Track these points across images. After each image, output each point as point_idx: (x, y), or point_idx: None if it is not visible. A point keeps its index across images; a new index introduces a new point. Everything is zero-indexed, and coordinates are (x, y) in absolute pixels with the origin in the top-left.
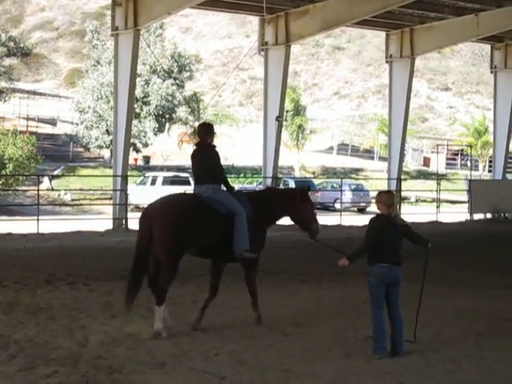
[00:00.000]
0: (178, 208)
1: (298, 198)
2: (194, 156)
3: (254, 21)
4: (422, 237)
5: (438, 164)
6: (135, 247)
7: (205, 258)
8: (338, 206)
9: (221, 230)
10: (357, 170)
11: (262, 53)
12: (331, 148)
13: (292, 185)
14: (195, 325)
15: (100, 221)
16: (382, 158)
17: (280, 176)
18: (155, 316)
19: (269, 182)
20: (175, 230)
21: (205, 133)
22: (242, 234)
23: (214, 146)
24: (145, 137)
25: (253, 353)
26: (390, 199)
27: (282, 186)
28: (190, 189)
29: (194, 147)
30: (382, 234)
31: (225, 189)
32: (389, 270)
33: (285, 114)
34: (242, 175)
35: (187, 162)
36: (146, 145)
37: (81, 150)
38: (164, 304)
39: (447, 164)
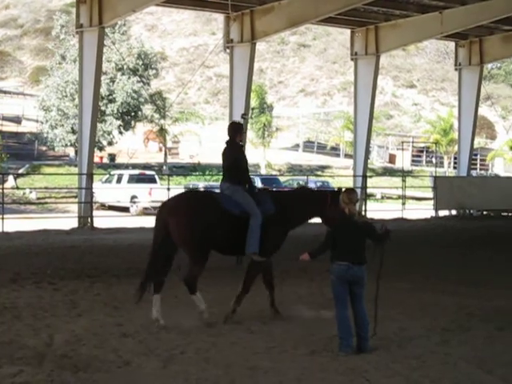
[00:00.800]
0: (191, 202)
1: (330, 201)
2: (223, 153)
3: (219, 18)
4: (381, 235)
5: (404, 161)
6: (152, 242)
7: (229, 255)
8: None
9: (232, 229)
10: (323, 168)
11: (228, 50)
12: (297, 145)
13: (258, 183)
14: (227, 316)
15: (65, 219)
16: (347, 155)
17: None
18: (196, 303)
19: None
20: (192, 222)
21: (234, 131)
22: (253, 236)
23: (242, 146)
24: (109, 135)
25: (218, 350)
26: (346, 197)
27: None
28: (155, 186)
29: (225, 145)
30: (340, 232)
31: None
32: (347, 268)
33: (250, 111)
34: (207, 173)
35: (153, 159)
36: (110, 143)
37: (46, 148)
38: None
39: (412, 161)
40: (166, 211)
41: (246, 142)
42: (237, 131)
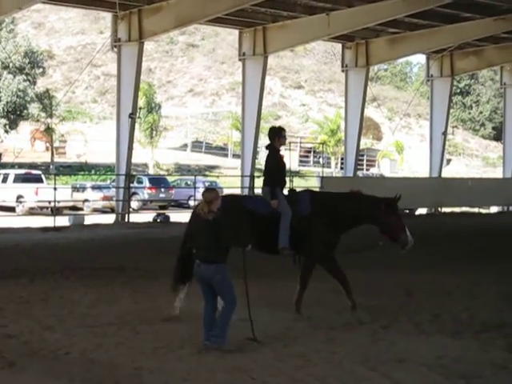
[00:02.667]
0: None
1: (383, 208)
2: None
3: (107, 17)
4: (231, 239)
5: (291, 161)
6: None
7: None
8: (191, 203)
9: (261, 229)
10: (211, 167)
11: (115, 49)
12: (185, 145)
13: (146, 182)
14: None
15: None
16: (235, 156)
17: (134, 173)
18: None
19: (122, 179)
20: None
21: (272, 136)
22: (282, 232)
23: (278, 151)
24: None
25: (104, 351)
26: (205, 196)
27: (135, 184)
28: (41, 186)
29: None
30: (193, 230)
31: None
32: (197, 266)
33: (138, 111)
34: (94, 172)
35: (39, 158)
36: None
37: None
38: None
39: (300, 161)
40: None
41: (134, 142)
42: (275, 136)
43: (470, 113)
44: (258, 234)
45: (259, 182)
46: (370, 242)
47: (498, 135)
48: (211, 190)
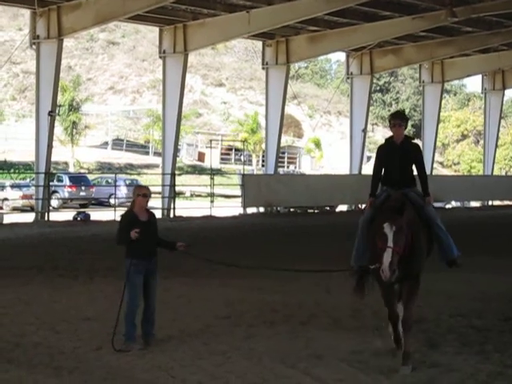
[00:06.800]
0: None
1: None
2: None
3: (26, 14)
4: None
5: (212, 159)
6: None
7: None
8: (112, 201)
9: None
10: (132, 165)
11: (34, 46)
12: (106, 143)
13: (66, 181)
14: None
15: None
16: (156, 153)
17: (54, 171)
18: None
19: (41, 177)
20: None
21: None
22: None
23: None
24: None
25: (22, 351)
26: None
27: (56, 182)
28: None
29: None
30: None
31: None
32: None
33: (58, 108)
34: (13, 171)
35: None
36: None
37: None
38: None
39: (221, 159)
40: None
41: (54, 140)
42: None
43: (389, 110)
44: None
45: (181, 180)
46: None
47: (417, 132)
48: (136, 186)
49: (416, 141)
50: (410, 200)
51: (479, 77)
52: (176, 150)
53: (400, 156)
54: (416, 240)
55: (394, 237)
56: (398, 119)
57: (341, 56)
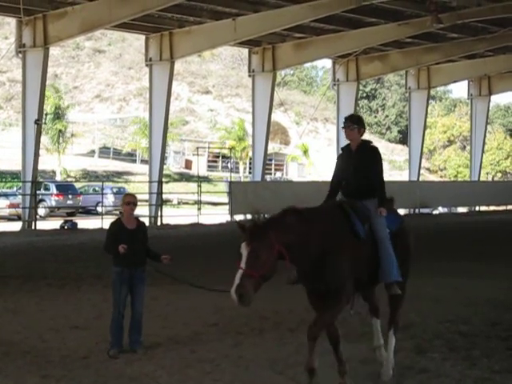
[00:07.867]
0: None
1: None
2: None
3: (12, 22)
4: (152, 250)
5: (199, 166)
6: None
7: None
8: (99, 209)
9: None
10: (119, 173)
11: (20, 55)
12: (93, 151)
13: (53, 189)
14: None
15: None
16: (143, 161)
17: (41, 180)
18: None
19: (28, 186)
20: None
21: None
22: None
23: None
24: None
25: (11, 360)
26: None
27: (42, 190)
28: None
29: None
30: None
31: None
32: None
33: (44, 117)
34: (0, 179)
35: None
36: None
37: None
38: None
39: (208, 166)
40: None
41: (41, 148)
42: None
43: (376, 117)
44: None
45: (168, 187)
46: None
47: (403, 139)
48: (125, 194)
49: (402, 147)
50: (355, 211)
51: (465, 83)
52: (163, 158)
53: (353, 164)
54: (329, 254)
55: (248, 258)
56: (348, 121)
57: (327, 63)
